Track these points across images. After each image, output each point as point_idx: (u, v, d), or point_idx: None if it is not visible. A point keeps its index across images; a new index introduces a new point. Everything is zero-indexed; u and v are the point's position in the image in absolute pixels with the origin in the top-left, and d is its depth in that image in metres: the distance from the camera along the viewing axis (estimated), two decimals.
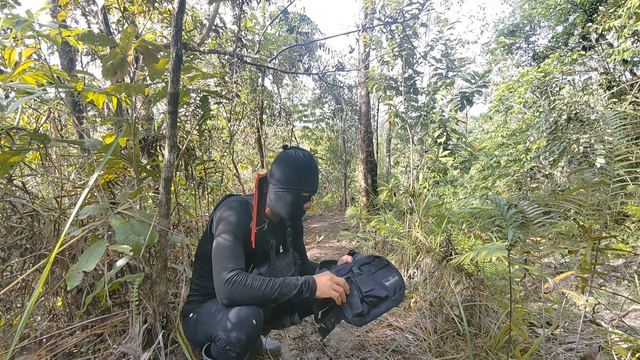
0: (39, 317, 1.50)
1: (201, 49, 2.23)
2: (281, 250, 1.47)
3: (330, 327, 1.18)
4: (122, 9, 2.49)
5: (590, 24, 5.68)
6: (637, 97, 5.02)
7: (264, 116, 7.57)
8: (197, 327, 1.18)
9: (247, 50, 4.09)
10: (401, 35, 4.05)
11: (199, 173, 2.38)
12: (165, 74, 1.55)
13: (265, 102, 7.54)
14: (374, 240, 3.76)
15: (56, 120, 2.36)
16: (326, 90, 8.62)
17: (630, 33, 4.75)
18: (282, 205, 1.25)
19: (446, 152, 3.92)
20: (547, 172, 4.91)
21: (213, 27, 3.19)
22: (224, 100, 3.24)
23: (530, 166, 5.25)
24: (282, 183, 1.23)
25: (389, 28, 4.18)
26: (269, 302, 1.09)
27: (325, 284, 1.12)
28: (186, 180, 2.31)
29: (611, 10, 5.23)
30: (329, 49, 8.10)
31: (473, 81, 3.92)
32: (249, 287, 1.04)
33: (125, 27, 1.85)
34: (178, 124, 1.65)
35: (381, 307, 1.15)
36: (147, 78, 1.63)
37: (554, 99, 4.99)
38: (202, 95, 2.07)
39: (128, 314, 1.35)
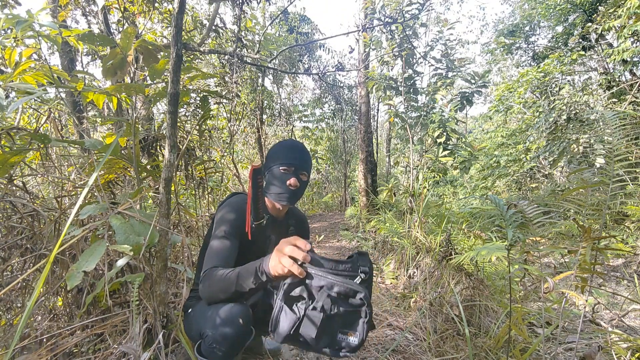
0: (39, 317, 1.50)
1: (201, 49, 2.23)
2: None
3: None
4: (122, 9, 2.49)
5: (590, 24, 5.68)
6: (636, 97, 5.02)
7: (264, 116, 7.57)
8: (192, 323, 1.19)
9: (247, 50, 4.09)
10: (401, 35, 4.05)
11: (199, 173, 2.39)
12: (165, 74, 1.56)
13: (265, 102, 7.55)
14: (374, 240, 3.77)
15: (56, 120, 2.36)
16: (326, 90, 8.63)
17: (630, 33, 4.76)
18: (269, 188, 1.23)
19: (446, 152, 3.93)
20: (546, 172, 4.92)
21: (213, 27, 3.19)
22: (224, 100, 3.24)
23: (530, 166, 5.26)
24: (266, 167, 1.26)
25: (389, 28, 4.18)
26: (234, 292, 1.00)
27: (274, 259, 0.90)
28: (186, 180, 2.32)
29: (611, 10, 5.23)
30: (329, 49, 8.11)
31: (473, 81, 3.93)
32: (214, 281, 1.02)
33: (125, 27, 1.85)
34: (178, 124, 1.66)
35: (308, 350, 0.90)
36: (147, 78, 1.64)
37: (554, 99, 5.00)
38: (202, 95, 2.07)
39: (128, 314, 1.35)
